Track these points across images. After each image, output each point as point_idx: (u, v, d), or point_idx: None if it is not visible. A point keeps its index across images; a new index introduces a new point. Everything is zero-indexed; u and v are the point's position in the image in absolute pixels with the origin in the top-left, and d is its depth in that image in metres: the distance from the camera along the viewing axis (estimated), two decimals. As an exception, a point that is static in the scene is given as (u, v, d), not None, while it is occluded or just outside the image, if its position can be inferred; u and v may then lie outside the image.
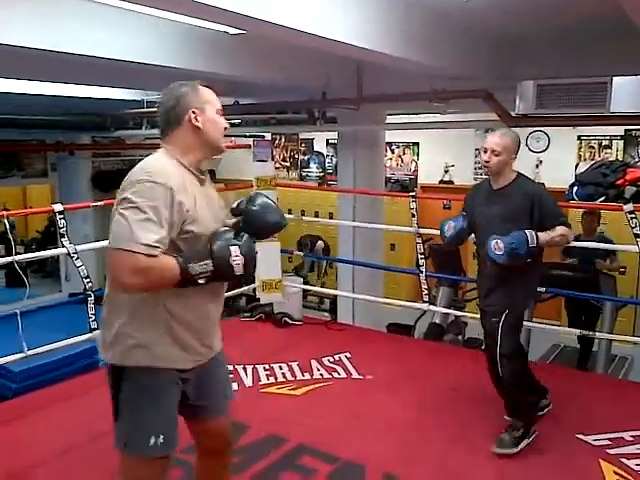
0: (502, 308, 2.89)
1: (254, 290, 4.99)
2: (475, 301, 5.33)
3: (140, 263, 1.59)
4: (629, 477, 2.70)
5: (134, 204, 1.62)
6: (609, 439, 3.01)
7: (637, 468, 2.76)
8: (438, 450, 2.94)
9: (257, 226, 1.92)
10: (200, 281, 1.69)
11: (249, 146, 5.14)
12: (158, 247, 1.62)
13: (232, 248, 1.74)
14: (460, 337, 5.92)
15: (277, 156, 10.28)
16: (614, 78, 3.99)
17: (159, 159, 1.77)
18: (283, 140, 10.44)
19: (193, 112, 1.78)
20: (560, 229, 2.80)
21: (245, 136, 8.80)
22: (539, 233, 2.74)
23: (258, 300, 5.00)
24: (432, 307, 4.83)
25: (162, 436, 1.76)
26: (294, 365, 3.94)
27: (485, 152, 2.86)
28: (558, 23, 3.92)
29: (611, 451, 2.91)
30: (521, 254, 2.70)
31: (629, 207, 3.64)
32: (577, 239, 5.49)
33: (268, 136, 9.73)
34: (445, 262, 6.08)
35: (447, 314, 5.74)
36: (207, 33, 3.43)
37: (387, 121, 6.42)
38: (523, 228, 2.73)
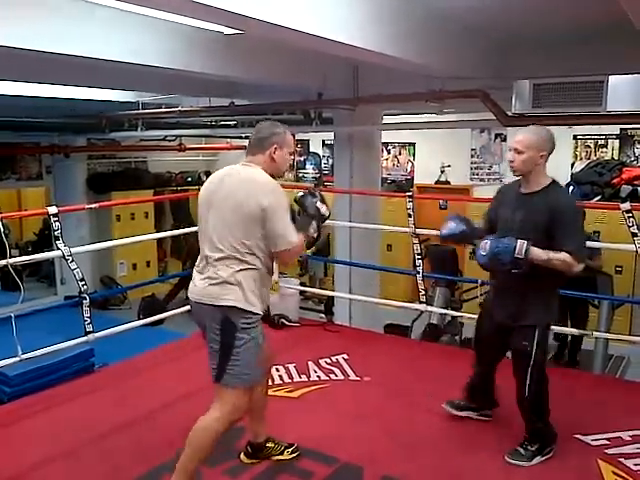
0: (533, 324, 2.73)
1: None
2: (471, 301, 5.37)
3: (299, 249, 2.45)
4: (628, 477, 2.69)
5: (283, 208, 2.34)
6: (607, 439, 3.00)
7: (636, 468, 2.75)
8: (437, 451, 2.93)
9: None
10: (315, 235, 2.54)
11: (245, 147, 5.09)
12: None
13: (317, 204, 2.54)
14: (457, 337, 5.93)
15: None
16: (610, 77, 3.99)
17: (265, 174, 2.42)
18: (279, 141, 10.41)
19: (275, 147, 2.43)
20: (563, 255, 2.56)
21: (241, 137, 8.79)
22: (535, 248, 2.56)
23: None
24: (429, 308, 4.81)
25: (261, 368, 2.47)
26: (291, 367, 3.92)
27: (510, 151, 2.72)
28: (554, 22, 3.92)
29: (609, 451, 2.90)
30: (503, 261, 2.58)
31: (626, 206, 3.63)
32: None
33: (264, 137, 9.68)
34: (442, 262, 6.08)
35: (444, 314, 5.74)
36: (202, 33, 3.42)
37: (383, 121, 6.41)
38: (537, 242, 2.57)
